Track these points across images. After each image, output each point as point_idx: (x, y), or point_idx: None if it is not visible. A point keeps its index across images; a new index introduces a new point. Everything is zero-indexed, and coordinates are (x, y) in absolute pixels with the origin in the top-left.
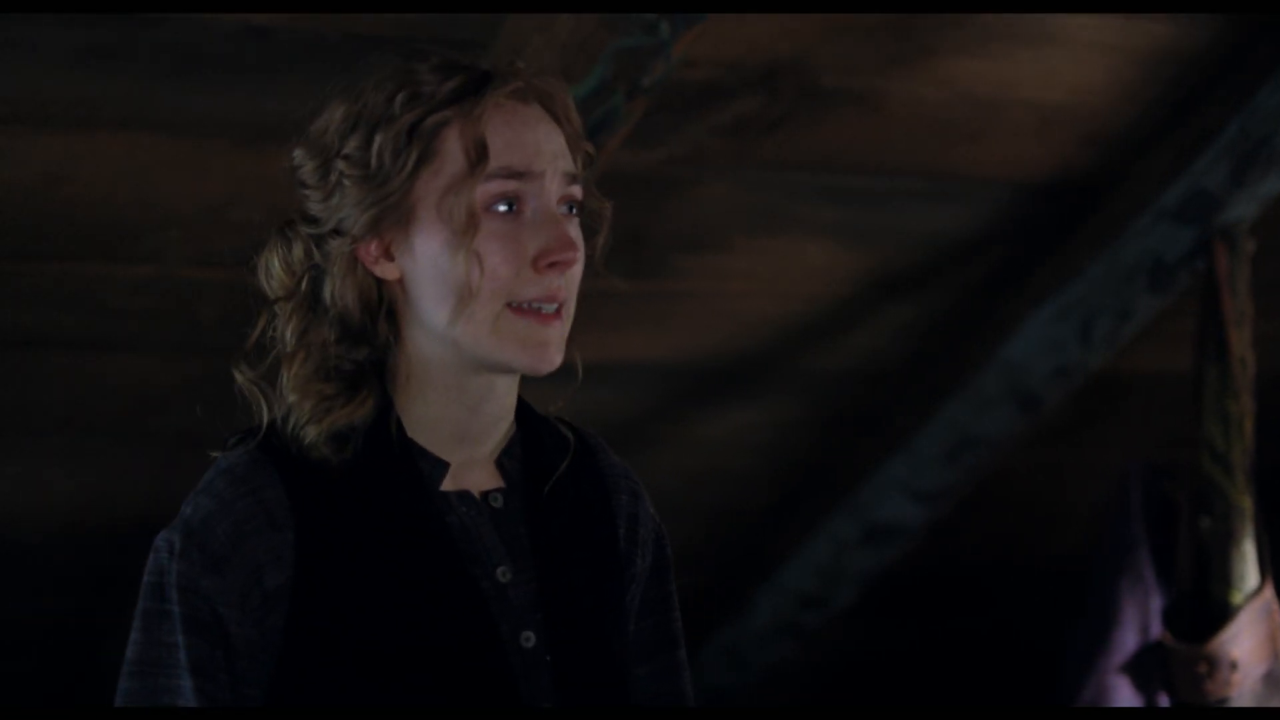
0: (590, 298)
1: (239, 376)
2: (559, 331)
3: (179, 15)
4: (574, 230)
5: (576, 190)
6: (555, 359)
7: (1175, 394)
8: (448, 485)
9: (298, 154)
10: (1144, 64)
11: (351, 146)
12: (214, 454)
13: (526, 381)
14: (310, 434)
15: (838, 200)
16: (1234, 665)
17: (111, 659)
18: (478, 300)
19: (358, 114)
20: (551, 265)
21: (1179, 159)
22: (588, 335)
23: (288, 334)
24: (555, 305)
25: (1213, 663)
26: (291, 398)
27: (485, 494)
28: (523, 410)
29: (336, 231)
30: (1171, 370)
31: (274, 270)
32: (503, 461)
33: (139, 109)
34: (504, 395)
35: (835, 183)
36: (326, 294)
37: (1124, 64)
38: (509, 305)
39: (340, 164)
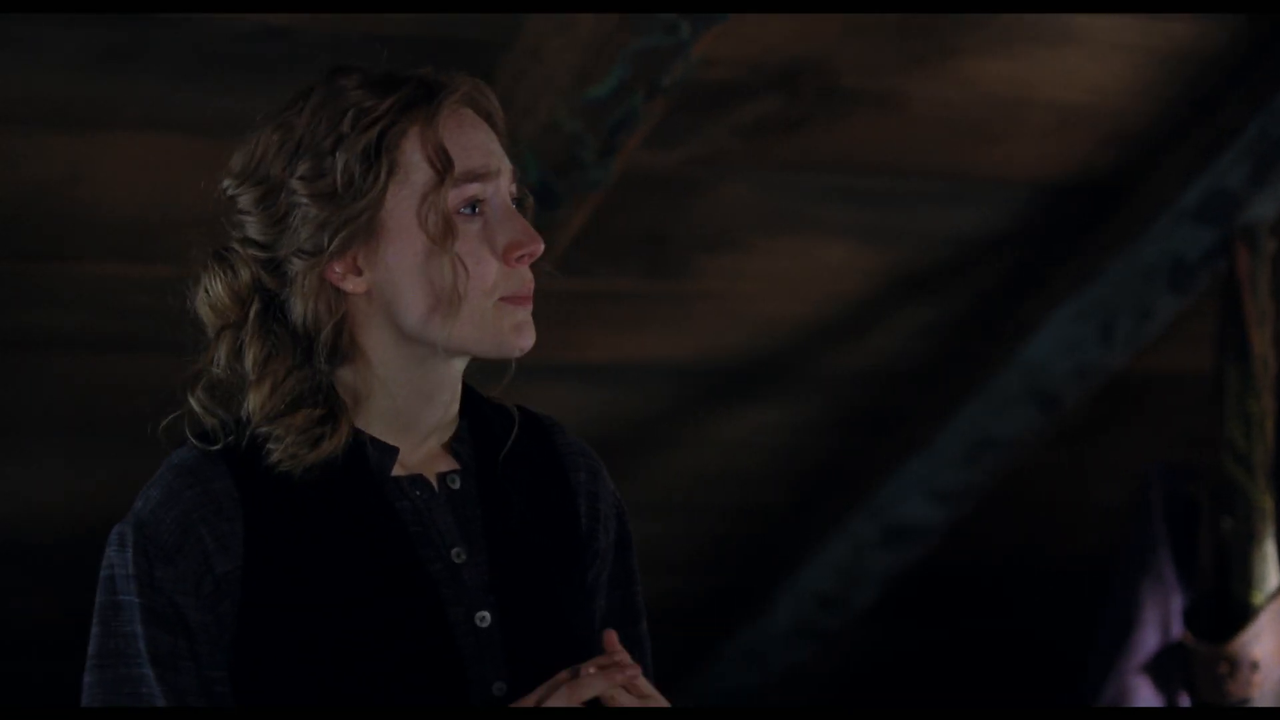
0: (608, 298)
1: (195, 404)
2: (530, 312)
3: (198, 16)
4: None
5: (515, 187)
6: (531, 339)
7: (1196, 394)
8: (400, 471)
9: (230, 183)
10: (1164, 64)
11: (304, 170)
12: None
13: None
14: (294, 468)
15: (857, 201)
16: (1255, 666)
17: None
18: (460, 301)
19: (299, 139)
20: (521, 258)
21: (1199, 159)
22: (606, 335)
23: (247, 362)
24: (529, 291)
25: (1234, 663)
26: (264, 428)
27: (441, 476)
28: (468, 395)
29: (301, 253)
30: (1192, 370)
31: (218, 297)
32: (454, 446)
33: (158, 109)
34: (455, 384)
35: (855, 183)
36: (297, 316)
37: (1144, 64)
38: (501, 298)
39: (295, 185)
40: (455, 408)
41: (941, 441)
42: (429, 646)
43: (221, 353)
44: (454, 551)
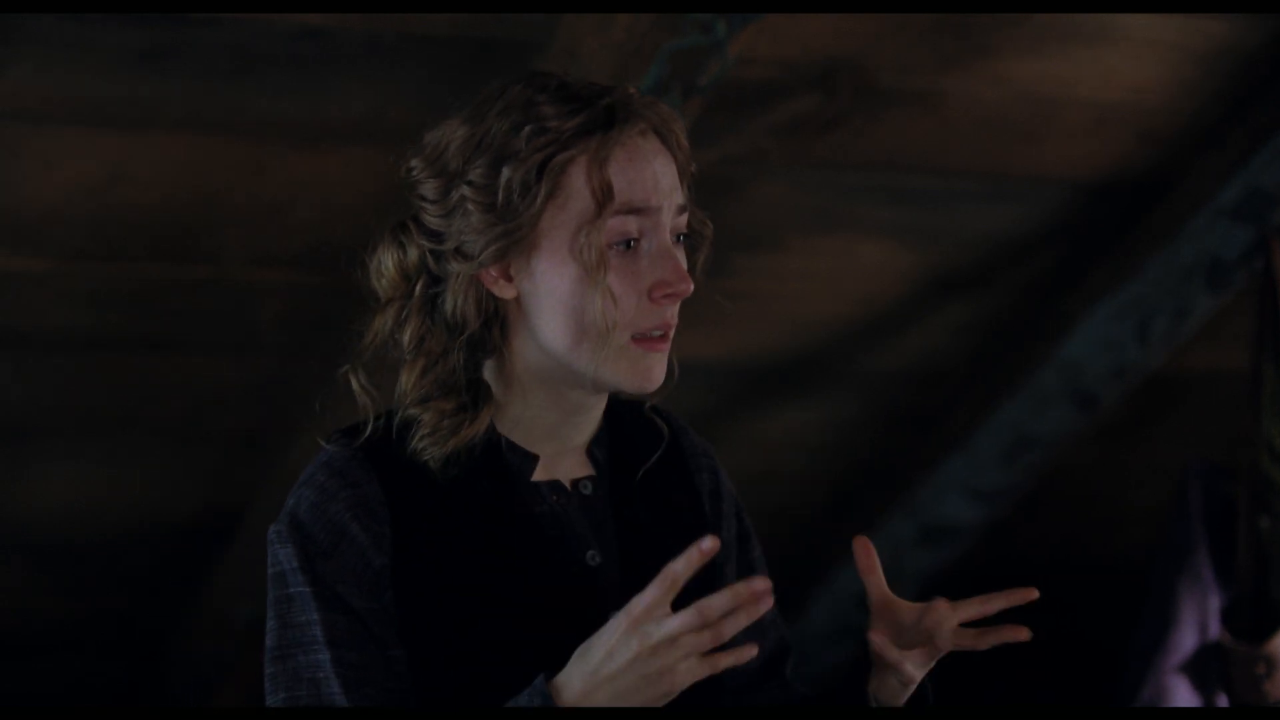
0: None
1: (354, 382)
2: (666, 354)
3: (237, 17)
4: (683, 258)
5: (684, 221)
6: (660, 379)
7: (1234, 393)
8: (540, 475)
9: (416, 165)
10: (1201, 63)
11: (476, 174)
12: (323, 443)
13: None
14: (434, 453)
15: (895, 200)
16: None
17: (171, 657)
18: (599, 331)
19: (480, 139)
20: (666, 296)
21: (1236, 157)
22: None
23: (404, 339)
24: (668, 331)
25: (1271, 663)
26: (413, 411)
27: (575, 482)
28: (610, 401)
29: (459, 253)
30: (1230, 369)
31: (387, 271)
32: (593, 450)
33: (197, 110)
34: (596, 405)
35: (892, 182)
36: (447, 308)
37: (1181, 63)
38: (632, 337)
39: (465, 189)
40: (596, 420)
41: (980, 441)
42: (567, 647)
43: (386, 326)
44: (589, 555)
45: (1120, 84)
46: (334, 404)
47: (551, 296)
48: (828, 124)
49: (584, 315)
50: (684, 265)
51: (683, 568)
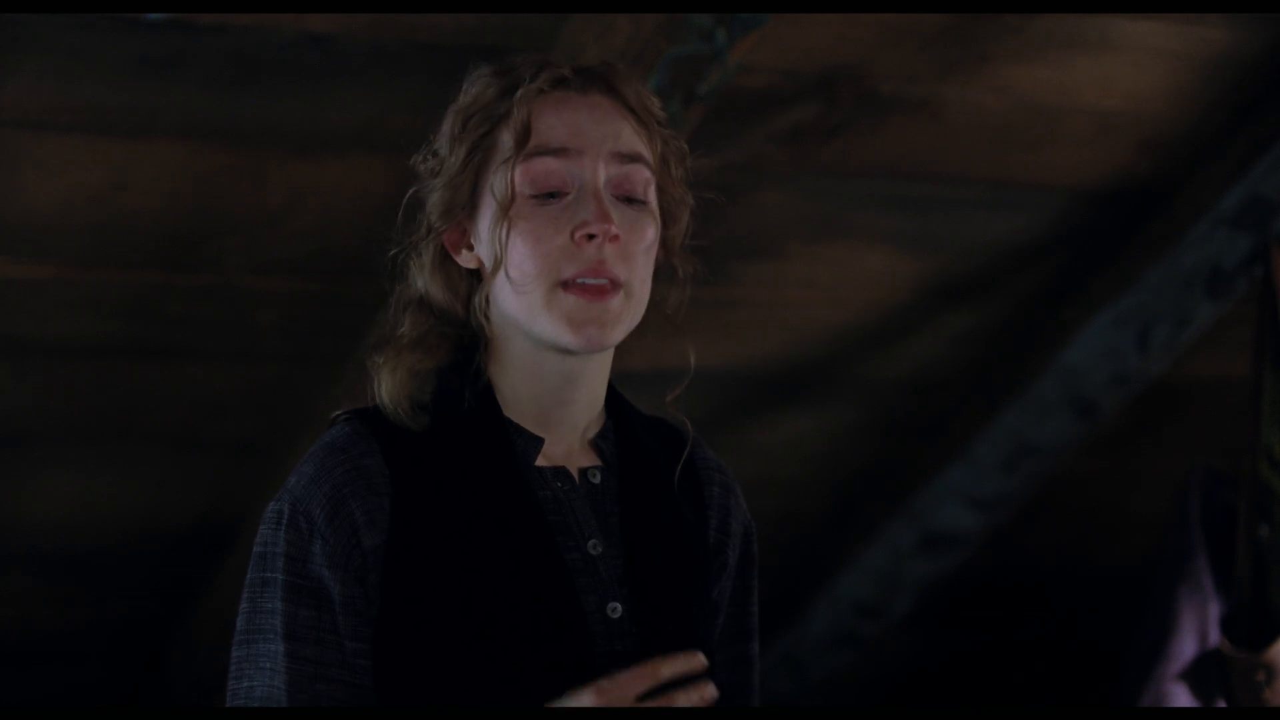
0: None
1: (369, 362)
2: (608, 308)
3: (238, 24)
4: (628, 213)
5: (631, 175)
6: (607, 337)
7: (1234, 401)
8: (544, 462)
9: (420, 154)
10: (1202, 70)
11: (438, 145)
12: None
13: (628, 380)
14: (385, 382)
15: (896, 208)
16: None
17: (172, 664)
18: (527, 278)
19: (454, 116)
20: (587, 237)
21: (1237, 165)
22: (643, 341)
23: (405, 324)
24: (602, 280)
25: (1271, 671)
26: (378, 358)
27: (583, 471)
28: (616, 400)
29: (425, 225)
30: (1230, 377)
31: (417, 267)
32: (598, 444)
33: (199, 117)
34: (585, 380)
35: (893, 190)
36: (418, 284)
37: (1182, 70)
38: (560, 283)
39: (430, 160)
40: (593, 410)
41: (980, 449)
42: (562, 632)
43: (395, 314)
44: (590, 543)
45: (1121, 92)
46: (350, 395)
47: (488, 250)
48: (829, 132)
49: (497, 257)
50: (617, 214)
51: (668, 672)
